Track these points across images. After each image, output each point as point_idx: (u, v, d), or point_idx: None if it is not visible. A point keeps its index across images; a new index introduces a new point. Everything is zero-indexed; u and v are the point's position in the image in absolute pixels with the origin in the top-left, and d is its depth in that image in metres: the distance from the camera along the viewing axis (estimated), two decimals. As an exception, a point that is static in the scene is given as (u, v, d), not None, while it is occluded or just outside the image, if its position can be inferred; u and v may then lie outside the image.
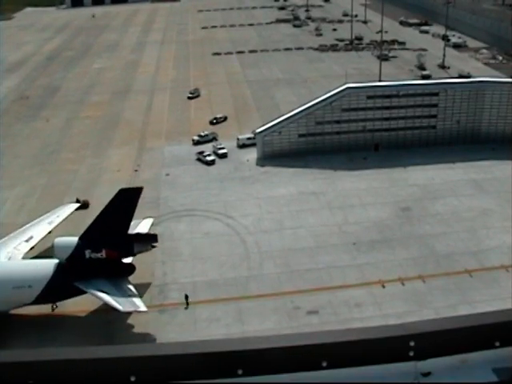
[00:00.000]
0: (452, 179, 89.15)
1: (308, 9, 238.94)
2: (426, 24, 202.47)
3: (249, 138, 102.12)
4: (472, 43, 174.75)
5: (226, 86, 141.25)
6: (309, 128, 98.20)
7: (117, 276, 60.88)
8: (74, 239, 60.92)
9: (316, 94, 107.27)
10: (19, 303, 59.64)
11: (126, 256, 62.36)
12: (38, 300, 59.25)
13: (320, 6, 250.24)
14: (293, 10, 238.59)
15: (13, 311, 60.52)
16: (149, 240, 64.28)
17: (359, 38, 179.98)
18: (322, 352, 6.76)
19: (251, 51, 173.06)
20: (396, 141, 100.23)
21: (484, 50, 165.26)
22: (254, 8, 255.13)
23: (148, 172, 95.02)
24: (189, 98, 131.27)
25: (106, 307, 58.86)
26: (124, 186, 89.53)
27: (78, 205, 79.85)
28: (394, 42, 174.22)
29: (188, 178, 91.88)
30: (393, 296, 62.52)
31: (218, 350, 6.64)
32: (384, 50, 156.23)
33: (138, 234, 64.43)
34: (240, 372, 6.54)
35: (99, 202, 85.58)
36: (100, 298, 58.84)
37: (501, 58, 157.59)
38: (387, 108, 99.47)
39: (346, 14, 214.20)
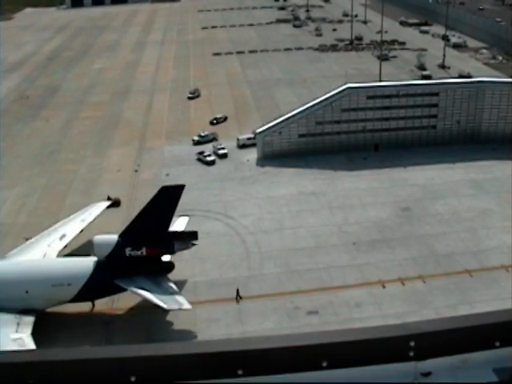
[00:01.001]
0: (452, 179, 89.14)
1: (308, 9, 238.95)
2: (426, 24, 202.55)
3: (249, 138, 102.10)
4: (472, 43, 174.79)
5: (226, 86, 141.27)
6: (309, 128, 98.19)
7: (156, 274, 60.76)
8: (114, 237, 60.90)
9: (316, 94, 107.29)
10: (58, 301, 59.63)
11: (167, 254, 62.32)
12: (77, 298, 59.24)
13: (320, 6, 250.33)
14: (293, 10, 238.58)
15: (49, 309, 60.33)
16: (189, 238, 63.99)
17: (359, 38, 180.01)
18: (322, 352, 6.77)
19: (251, 51, 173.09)
20: (396, 141, 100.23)
21: (484, 50, 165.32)
22: (254, 8, 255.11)
23: (148, 172, 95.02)
24: (189, 98, 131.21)
25: (146, 305, 58.53)
26: (124, 186, 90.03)
27: (109, 203, 79.87)
28: (393, 42, 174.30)
29: (188, 178, 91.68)
30: (393, 296, 62.50)
31: (217, 350, 6.65)
32: (384, 49, 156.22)
33: (179, 232, 64.21)
34: (240, 372, 6.54)
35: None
36: (142, 296, 58.72)
37: (501, 57, 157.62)
38: (387, 108, 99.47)
39: (346, 14, 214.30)
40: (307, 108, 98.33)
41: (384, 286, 64.08)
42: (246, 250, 71.83)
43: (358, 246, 71.78)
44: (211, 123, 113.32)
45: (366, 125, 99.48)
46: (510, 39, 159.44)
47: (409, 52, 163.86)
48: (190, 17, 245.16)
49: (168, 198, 60.30)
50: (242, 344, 6.79)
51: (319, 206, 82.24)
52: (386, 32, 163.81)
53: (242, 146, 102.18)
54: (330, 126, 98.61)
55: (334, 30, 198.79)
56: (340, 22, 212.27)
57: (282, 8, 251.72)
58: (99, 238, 61.66)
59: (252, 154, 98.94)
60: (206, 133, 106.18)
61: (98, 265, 60.21)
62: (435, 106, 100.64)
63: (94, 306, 61.42)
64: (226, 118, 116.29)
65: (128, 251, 60.03)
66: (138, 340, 55.52)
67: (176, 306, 57.64)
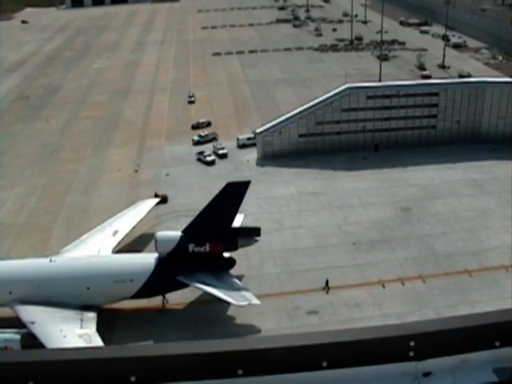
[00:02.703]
0: (452, 179, 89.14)
1: (308, 9, 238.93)
2: (425, 24, 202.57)
3: (249, 138, 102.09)
4: (472, 43, 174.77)
5: (226, 86, 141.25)
6: (309, 128, 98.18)
7: (218, 270, 60.78)
8: (177, 233, 60.85)
9: (316, 94, 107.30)
10: (119, 297, 59.64)
11: (230, 250, 62.17)
12: (139, 294, 59.33)
13: (320, 6, 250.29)
14: (293, 10, 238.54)
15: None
16: (252, 234, 64.08)
17: (359, 38, 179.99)
18: (322, 352, 6.76)
19: (251, 51, 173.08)
20: (396, 141, 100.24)
21: (484, 50, 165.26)
22: (254, 8, 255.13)
23: (148, 172, 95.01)
24: (189, 102, 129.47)
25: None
26: (124, 186, 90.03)
27: (157, 200, 79.77)
28: (393, 42, 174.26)
29: (188, 178, 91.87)
30: (393, 296, 62.50)
31: (217, 350, 6.64)
32: (384, 50, 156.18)
33: (242, 228, 64.01)
34: (240, 372, 6.54)
35: (99, 202, 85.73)
36: (208, 292, 58.68)
37: (501, 57, 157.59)
38: (387, 108, 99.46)
39: (346, 14, 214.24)
40: (307, 108, 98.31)
41: (384, 286, 64.07)
42: (245, 249, 71.74)
43: (358, 245, 71.78)
44: (193, 128, 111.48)
45: (366, 125, 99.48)
46: (510, 39, 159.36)
47: (409, 52, 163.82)
48: (189, 17, 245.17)
49: (233, 194, 60.23)
50: (242, 344, 6.79)
51: (319, 205, 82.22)
52: (385, 32, 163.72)
53: (242, 145, 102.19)
54: (329, 125, 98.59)
55: (334, 30, 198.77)
56: (340, 22, 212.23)
57: (282, 8, 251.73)
58: (162, 234, 61.84)
59: (252, 154, 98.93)
60: (206, 133, 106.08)
61: (159, 261, 60.11)
62: (435, 105, 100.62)
63: (165, 299, 61.53)
64: (209, 123, 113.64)
65: (191, 247, 60.06)
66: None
67: (245, 302, 57.58)
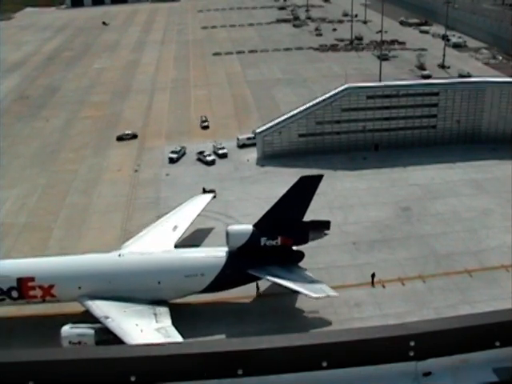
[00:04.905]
0: (452, 179, 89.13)
1: (308, 9, 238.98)
2: (425, 24, 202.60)
3: (249, 138, 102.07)
4: (472, 43, 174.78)
5: (226, 85, 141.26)
6: (309, 128, 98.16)
7: (288, 263, 60.87)
8: (249, 227, 60.95)
9: (316, 94, 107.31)
10: (189, 291, 59.54)
11: (301, 243, 62.24)
12: (209, 288, 59.33)
13: (320, 6, 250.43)
14: (293, 10, 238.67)
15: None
16: (323, 227, 64.16)
17: (359, 38, 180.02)
18: (322, 352, 6.76)
19: (251, 51, 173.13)
20: (396, 141, 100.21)
21: (484, 50, 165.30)
22: (254, 8, 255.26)
23: (148, 172, 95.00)
24: (203, 128, 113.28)
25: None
26: (124, 186, 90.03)
27: (212, 194, 79.70)
28: (393, 41, 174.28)
29: (188, 177, 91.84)
30: (393, 296, 62.49)
31: (217, 350, 6.64)
32: (384, 49, 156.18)
33: (313, 221, 63.83)
34: (240, 372, 6.54)
35: (101, 201, 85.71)
36: (282, 285, 58.71)
37: (501, 57, 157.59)
38: (387, 108, 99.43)
39: (346, 14, 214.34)
40: (307, 108, 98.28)
41: (384, 286, 64.07)
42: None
43: (358, 245, 71.76)
44: (118, 139, 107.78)
45: (366, 125, 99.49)
46: (510, 39, 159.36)
47: (409, 52, 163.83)
48: (189, 17, 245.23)
49: (306, 188, 60.63)
50: (242, 344, 6.79)
51: (319, 205, 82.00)
52: (386, 32, 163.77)
53: (242, 145, 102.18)
54: (329, 125, 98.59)
55: (334, 29, 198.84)
56: (340, 21, 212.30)
57: (282, 8, 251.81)
58: (234, 228, 61.99)
59: (252, 154, 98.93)
60: (179, 148, 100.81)
61: (231, 255, 60.24)
62: (435, 105, 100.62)
63: (258, 289, 61.83)
64: (134, 136, 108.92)
65: (263, 241, 60.19)
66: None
67: (322, 294, 57.61)
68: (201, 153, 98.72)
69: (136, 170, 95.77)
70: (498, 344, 6.83)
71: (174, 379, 6.58)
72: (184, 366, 6.65)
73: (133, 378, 6.44)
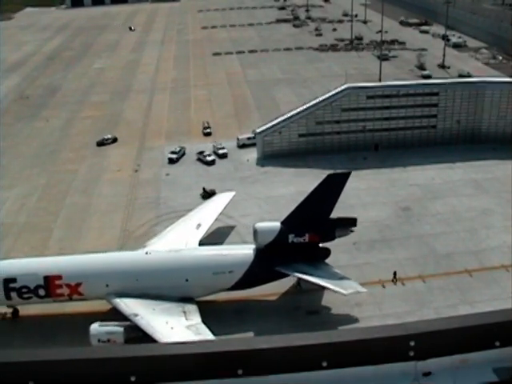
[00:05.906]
0: (452, 179, 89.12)
1: (308, 9, 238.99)
2: (425, 24, 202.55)
3: (249, 138, 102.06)
4: (472, 43, 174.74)
5: (226, 85, 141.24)
6: (309, 128, 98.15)
7: (315, 260, 61.01)
8: (277, 224, 61.00)
9: (316, 94, 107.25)
10: (217, 289, 59.57)
11: (327, 240, 62.36)
12: (237, 285, 59.33)
13: (320, 6, 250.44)
14: (293, 10, 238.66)
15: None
16: (349, 224, 64.04)
17: (359, 38, 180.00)
18: (322, 352, 6.76)
19: (251, 51, 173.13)
20: (396, 141, 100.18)
21: (484, 50, 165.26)
22: (254, 8, 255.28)
23: (148, 172, 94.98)
24: (205, 134, 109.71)
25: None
26: (124, 186, 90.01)
27: (234, 193, 79.45)
28: (393, 41, 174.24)
29: (188, 177, 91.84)
30: (393, 296, 62.48)
31: (217, 350, 6.64)
32: (384, 50, 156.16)
33: (340, 218, 63.88)
34: (240, 372, 6.54)
35: (99, 201, 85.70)
36: (311, 282, 58.89)
37: (501, 57, 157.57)
38: (387, 108, 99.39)
39: (345, 14, 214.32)
40: (307, 108, 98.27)
41: (384, 286, 64.07)
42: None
43: (358, 245, 71.74)
44: (98, 145, 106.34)
45: (366, 125, 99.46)
46: (510, 39, 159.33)
47: (409, 52, 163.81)
48: (189, 17, 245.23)
49: (334, 185, 60.76)
50: (242, 344, 6.79)
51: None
52: (386, 32, 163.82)
53: (242, 145, 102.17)
54: (329, 125, 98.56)
55: (334, 29, 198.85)
56: (340, 21, 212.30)
57: (282, 8, 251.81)
58: (261, 225, 61.76)
59: (252, 154, 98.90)
60: (178, 148, 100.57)
61: (258, 252, 60.29)
62: (435, 105, 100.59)
63: (299, 285, 61.91)
64: (114, 140, 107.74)
65: (291, 238, 60.28)
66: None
67: (353, 290, 57.78)
68: (201, 153, 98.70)
69: (136, 170, 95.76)
70: (497, 344, 6.83)
71: (174, 379, 6.58)
72: (184, 365, 6.65)
73: (133, 378, 6.44)
